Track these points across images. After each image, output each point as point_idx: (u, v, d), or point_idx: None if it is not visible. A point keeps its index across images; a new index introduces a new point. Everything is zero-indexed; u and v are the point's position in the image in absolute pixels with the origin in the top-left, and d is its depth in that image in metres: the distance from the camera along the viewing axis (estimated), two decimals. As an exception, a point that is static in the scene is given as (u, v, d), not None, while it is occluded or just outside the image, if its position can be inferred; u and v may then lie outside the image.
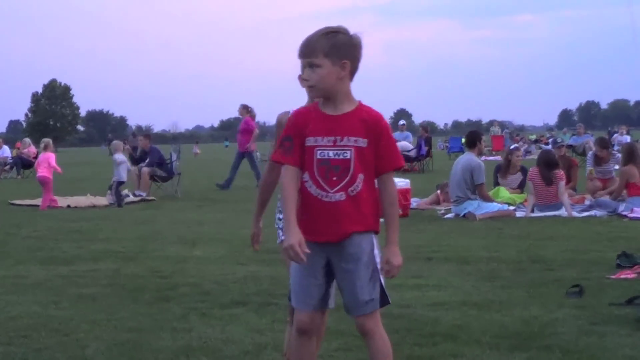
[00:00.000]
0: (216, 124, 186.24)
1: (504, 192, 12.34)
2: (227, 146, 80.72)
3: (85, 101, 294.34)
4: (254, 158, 18.69)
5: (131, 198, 15.77)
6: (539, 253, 7.72)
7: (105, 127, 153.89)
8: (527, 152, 29.95)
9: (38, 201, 14.95)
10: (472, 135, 12.20)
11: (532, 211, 11.24)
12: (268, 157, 4.10)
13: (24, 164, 26.43)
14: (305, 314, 3.22)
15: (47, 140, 16.18)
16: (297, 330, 3.27)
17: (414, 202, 12.58)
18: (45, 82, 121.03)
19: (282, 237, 3.43)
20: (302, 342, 3.27)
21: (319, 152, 3.14)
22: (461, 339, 4.60)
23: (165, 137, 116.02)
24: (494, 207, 11.21)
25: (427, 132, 26.20)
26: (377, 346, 3.24)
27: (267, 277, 6.67)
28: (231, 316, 5.35)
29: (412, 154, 24.83)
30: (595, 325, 4.83)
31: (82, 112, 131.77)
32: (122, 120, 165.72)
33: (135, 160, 17.51)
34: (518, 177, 12.94)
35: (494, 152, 35.46)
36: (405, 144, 25.41)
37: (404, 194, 11.61)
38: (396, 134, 27.52)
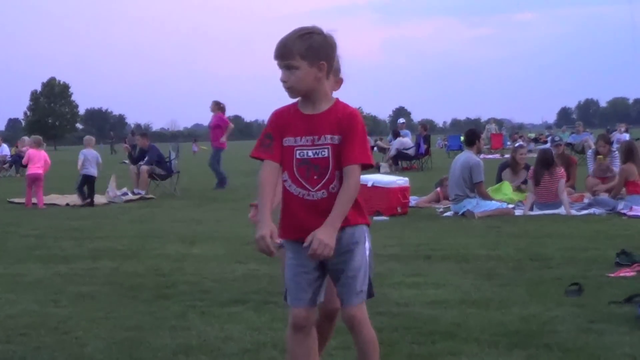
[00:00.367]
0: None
1: (507, 188, 12.33)
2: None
3: (84, 99, 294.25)
4: (216, 157, 18.31)
5: (130, 196, 15.77)
6: (538, 251, 7.72)
7: (104, 126, 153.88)
8: (528, 150, 29.92)
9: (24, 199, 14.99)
10: (471, 133, 12.20)
11: (531, 209, 11.24)
12: None
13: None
14: (300, 309, 3.24)
15: (39, 137, 16.34)
16: (293, 327, 3.28)
17: (413, 200, 12.57)
18: (44, 80, 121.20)
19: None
20: (299, 340, 3.29)
21: (298, 151, 3.18)
22: (460, 337, 4.60)
23: (164, 136, 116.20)
24: (492, 205, 11.21)
25: (426, 130, 26.17)
26: (367, 337, 3.29)
27: (266, 275, 6.67)
28: (230, 314, 5.35)
29: (411, 152, 24.82)
30: (594, 324, 4.83)
31: (81, 111, 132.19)
32: (121, 119, 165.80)
33: (134, 159, 17.49)
34: (523, 174, 12.97)
35: (492, 150, 35.43)
36: (407, 140, 25.37)
37: (403, 192, 11.60)
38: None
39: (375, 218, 10.24)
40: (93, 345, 4.66)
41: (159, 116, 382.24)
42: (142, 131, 33.11)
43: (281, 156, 3.20)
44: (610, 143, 14.06)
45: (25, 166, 15.51)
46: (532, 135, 49.25)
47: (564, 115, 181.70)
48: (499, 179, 13.01)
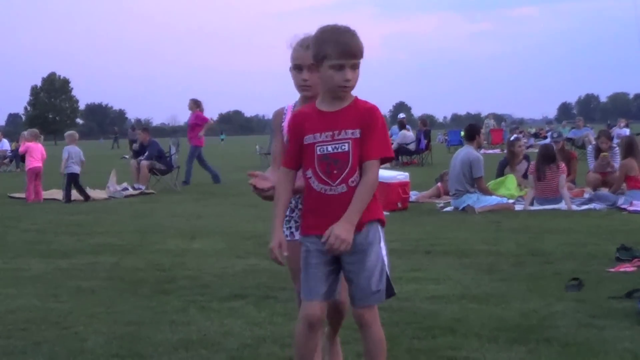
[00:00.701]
0: (215, 117, 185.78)
1: (511, 182, 12.31)
2: (222, 139, 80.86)
3: (85, 94, 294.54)
4: (194, 154, 18.10)
5: (130, 191, 15.77)
6: (538, 246, 7.72)
7: (104, 121, 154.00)
8: (529, 146, 29.91)
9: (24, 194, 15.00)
10: (470, 128, 12.19)
11: (532, 204, 11.24)
12: (267, 150, 4.10)
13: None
14: (314, 302, 3.20)
15: (36, 130, 16.35)
16: (304, 321, 3.24)
17: (413, 195, 12.57)
18: (45, 75, 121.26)
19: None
20: (309, 335, 3.25)
21: (318, 148, 3.18)
22: (460, 332, 4.60)
23: (165, 131, 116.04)
24: (493, 200, 11.21)
25: (426, 126, 26.16)
26: (375, 337, 3.25)
27: (266, 270, 6.66)
28: (230, 309, 5.35)
29: (412, 147, 24.80)
30: (594, 319, 4.83)
31: (81, 106, 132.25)
32: (121, 114, 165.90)
33: (136, 153, 17.47)
34: (523, 165, 12.96)
35: (492, 145, 35.41)
36: (410, 134, 25.28)
37: (403, 187, 11.60)
38: (394, 128, 27.52)
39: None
40: (93, 340, 4.66)
41: (159, 111, 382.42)
42: (143, 126, 33.07)
43: (298, 159, 3.24)
44: (611, 138, 14.03)
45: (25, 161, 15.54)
46: (532, 130, 49.24)
47: (565, 110, 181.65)
48: (500, 176, 12.98)
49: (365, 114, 3.18)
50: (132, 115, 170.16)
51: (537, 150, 13.37)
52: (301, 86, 3.60)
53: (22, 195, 15.16)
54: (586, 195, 11.87)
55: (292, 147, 3.27)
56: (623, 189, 11.51)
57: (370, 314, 3.22)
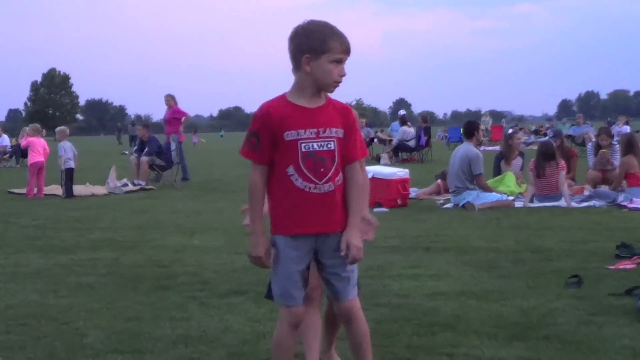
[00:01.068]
0: (215, 113, 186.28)
1: (510, 179, 12.29)
2: (222, 135, 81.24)
3: (85, 90, 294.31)
4: (181, 149, 17.92)
5: (130, 187, 15.77)
6: (538, 243, 7.72)
7: (104, 117, 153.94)
8: (529, 143, 29.92)
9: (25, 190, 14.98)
10: (469, 124, 12.18)
11: (531, 201, 11.24)
12: None
13: (23, 153, 26.39)
14: (299, 307, 3.25)
15: (38, 125, 16.37)
16: (290, 326, 3.28)
17: (413, 192, 12.57)
18: (45, 71, 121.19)
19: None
20: (294, 334, 3.36)
21: (303, 144, 3.13)
22: (460, 328, 4.61)
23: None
24: (492, 197, 11.20)
25: (426, 122, 26.14)
26: (362, 329, 3.33)
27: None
28: (230, 305, 5.35)
29: (412, 144, 24.78)
30: (594, 316, 4.83)
31: (81, 101, 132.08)
32: (121, 110, 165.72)
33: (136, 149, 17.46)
34: (518, 160, 12.95)
35: (493, 142, 35.39)
36: (410, 130, 25.26)
37: (403, 183, 11.60)
38: (394, 124, 27.52)
39: (375, 209, 10.25)
40: (93, 335, 4.66)
41: (159, 107, 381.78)
42: (144, 122, 33.06)
43: (270, 155, 3.14)
44: (611, 136, 14.02)
45: (26, 156, 15.51)
46: (533, 127, 49.24)
47: (565, 107, 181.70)
48: (497, 171, 12.95)
49: (344, 114, 3.21)
50: (132, 111, 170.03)
51: (537, 148, 13.35)
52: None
53: (23, 190, 15.14)
54: (586, 193, 11.88)
55: (267, 142, 3.14)
56: (623, 186, 11.51)
57: (357, 305, 3.31)
